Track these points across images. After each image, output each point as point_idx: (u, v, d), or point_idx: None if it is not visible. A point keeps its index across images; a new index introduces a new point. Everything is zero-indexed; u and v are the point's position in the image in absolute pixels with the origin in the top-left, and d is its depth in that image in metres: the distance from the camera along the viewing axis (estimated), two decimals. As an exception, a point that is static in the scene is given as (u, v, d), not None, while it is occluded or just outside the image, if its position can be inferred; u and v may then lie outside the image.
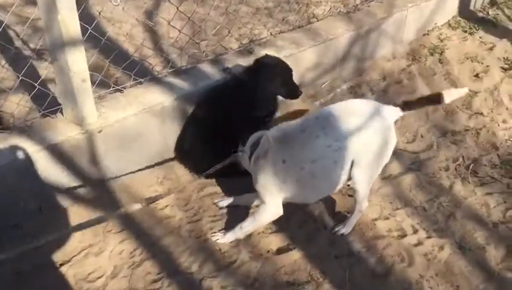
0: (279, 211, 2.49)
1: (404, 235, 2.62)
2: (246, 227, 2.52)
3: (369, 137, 2.37)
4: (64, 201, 2.65)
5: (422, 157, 3.14)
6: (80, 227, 2.52)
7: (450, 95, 2.47)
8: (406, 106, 2.52)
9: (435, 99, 2.50)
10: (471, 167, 3.07)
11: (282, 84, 2.97)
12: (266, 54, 3.05)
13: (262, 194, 2.47)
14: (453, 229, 2.67)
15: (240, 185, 2.82)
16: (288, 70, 3.01)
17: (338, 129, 2.36)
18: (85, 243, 2.49)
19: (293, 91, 3.01)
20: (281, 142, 2.41)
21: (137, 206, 2.45)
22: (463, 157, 3.16)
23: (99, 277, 2.36)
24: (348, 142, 2.34)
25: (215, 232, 2.59)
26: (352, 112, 2.42)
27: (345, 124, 2.37)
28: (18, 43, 3.44)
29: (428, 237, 2.61)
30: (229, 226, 2.60)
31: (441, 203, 2.82)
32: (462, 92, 2.57)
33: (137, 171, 2.86)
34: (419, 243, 2.58)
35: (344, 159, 2.36)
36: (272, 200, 2.46)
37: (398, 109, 2.49)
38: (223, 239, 2.55)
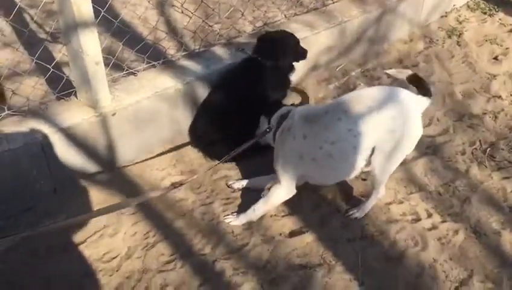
0: (292, 191, 2.52)
1: (418, 219, 2.59)
2: (259, 209, 2.53)
3: (392, 125, 2.32)
4: (78, 183, 2.68)
5: (438, 141, 3.09)
6: (94, 209, 2.56)
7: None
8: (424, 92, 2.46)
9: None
10: (488, 151, 3.02)
11: (291, 53, 2.97)
12: (266, 31, 3.05)
13: (279, 173, 2.50)
14: (468, 213, 2.64)
15: (252, 167, 2.83)
16: (292, 38, 2.99)
17: (360, 115, 2.33)
18: (99, 224, 2.52)
19: (302, 54, 3.02)
20: (305, 119, 2.45)
21: (161, 191, 2.45)
22: (480, 141, 3.10)
23: (113, 258, 2.39)
24: (370, 128, 2.32)
25: (227, 215, 2.60)
26: (376, 99, 2.37)
27: (368, 111, 2.33)
28: (33, 26, 3.46)
29: (443, 221, 2.59)
30: (241, 209, 2.61)
31: (457, 188, 2.78)
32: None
33: (150, 154, 2.88)
34: (433, 227, 2.55)
35: (363, 145, 2.34)
36: (286, 179, 2.48)
37: (425, 99, 2.42)
38: (235, 221, 2.56)
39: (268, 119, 2.66)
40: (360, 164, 2.41)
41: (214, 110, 2.88)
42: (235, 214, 2.59)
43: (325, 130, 2.37)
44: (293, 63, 3.02)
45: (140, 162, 2.85)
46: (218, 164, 2.61)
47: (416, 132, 2.41)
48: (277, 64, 2.89)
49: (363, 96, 2.43)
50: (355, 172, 2.47)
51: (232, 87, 2.89)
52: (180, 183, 2.38)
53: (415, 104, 2.40)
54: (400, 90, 2.42)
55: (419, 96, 2.43)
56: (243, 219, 2.55)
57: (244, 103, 2.78)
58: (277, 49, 2.90)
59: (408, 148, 2.44)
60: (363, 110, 2.34)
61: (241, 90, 2.82)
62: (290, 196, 2.53)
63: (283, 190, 2.51)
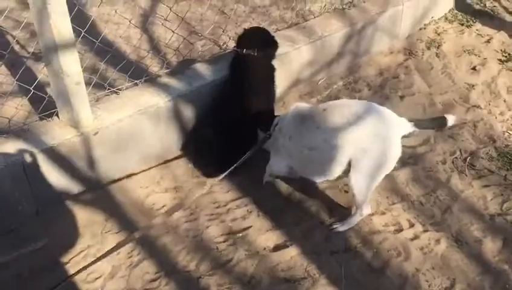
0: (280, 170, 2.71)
1: (400, 230, 2.62)
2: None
3: (369, 143, 2.36)
4: (61, 204, 2.67)
5: (419, 151, 3.13)
6: (78, 229, 2.55)
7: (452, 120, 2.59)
8: (417, 122, 2.51)
9: (442, 122, 2.60)
10: (468, 160, 3.07)
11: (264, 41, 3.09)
12: (244, 28, 3.24)
13: (271, 153, 2.72)
14: (449, 222, 2.67)
15: (236, 180, 2.85)
16: (263, 30, 3.21)
17: (339, 127, 2.38)
18: (83, 244, 2.52)
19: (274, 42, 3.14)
20: (294, 120, 2.57)
21: (157, 220, 2.49)
22: (460, 150, 3.15)
23: (97, 278, 2.39)
24: (345, 142, 2.37)
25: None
26: (357, 114, 2.41)
27: (348, 124, 2.38)
28: (16, 46, 3.47)
29: (425, 231, 2.62)
30: (224, 226, 2.63)
31: (438, 197, 2.82)
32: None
33: (133, 172, 2.89)
34: (415, 237, 2.58)
35: (338, 157, 2.40)
36: (273, 159, 2.70)
37: (410, 125, 2.46)
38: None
39: (265, 129, 2.74)
40: (338, 171, 2.48)
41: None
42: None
43: (305, 136, 2.50)
44: (272, 53, 3.12)
45: (124, 180, 2.85)
46: (227, 172, 2.60)
47: (395, 153, 2.44)
48: (256, 53, 2.99)
49: (345, 109, 2.47)
50: (334, 176, 2.53)
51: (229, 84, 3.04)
52: (173, 211, 2.46)
53: (396, 125, 2.43)
54: (383, 110, 2.46)
55: (403, 120, 2.46)
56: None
57: (239, 97, 2.90)
58: (252, 39, 3.05)
59: (386, 168, 2.46)
60: (341, 122, 2.38)
61: (235, 84, 2.97)
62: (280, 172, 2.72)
63: (273, 166, 2.71)
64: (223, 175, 2.56)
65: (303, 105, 2.69)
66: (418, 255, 2.49)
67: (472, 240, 2.59)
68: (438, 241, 2.56)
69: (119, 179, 2.85)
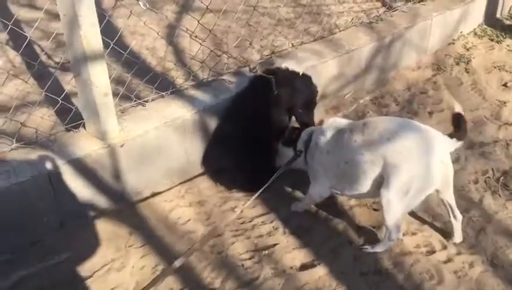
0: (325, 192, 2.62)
1: (432, 252, 2.53)
2: (304, 201, 2.74)
3: (403, 161, 2.26)
4: (86, 216, 2.64)
5: (450, 169, 3.04)
6: (102, 242, 2.52)
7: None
8: (458, 135, 2.38)
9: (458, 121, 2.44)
10: (501, 180, 2.96)
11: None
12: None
13: (311, 177, 2.65)
14: (484, 244, 2.57)
15: (260, 197, 2.79)
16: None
17: (374, 141, 2.31)
18: (107, 258, 2.48)
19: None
20: (330, 135, 2.53)
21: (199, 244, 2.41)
22: (493, 169, 3.05)
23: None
24: (379, 157, 2.30)
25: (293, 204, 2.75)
26: (397, 132, 2.31)
27: (383, 140, 2.30)
28: (43, 57, 3.48)
29: (458, 254, 2.52)
30: (250, 242, 2.57)
31: (471, 218, 2.72)
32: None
33: (158, 185, 2.85)
34: (448, 260, 2.48)
35: (372, 172, 2.33)
36: (317, 182, 2.62)
37: (454, 141, 2.34)
38: (296, 207, 2.74)
39: (288, 144, 2.74)
40: (371, 188, 2.40)
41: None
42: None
43: (340, 149, 2.46)
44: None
45: (149, 193, 2.82)
46: (257, 194, 2.54)
47: (433, 174, 2.31)
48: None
49: (384, 124, 2.39)
50: (368, 195, 2.46)
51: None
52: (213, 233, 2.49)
53: (437, 144, 2.31)
54: (424, 128, 2.36)
55: (446, 137, 2.34)
56: (301, 206, 2.76)
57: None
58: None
59: (422, 190, 2.33)
60: (377, 137, 2.32)
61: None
62: (322, 196, 2.64)
63: (314, 189, 2.63)
64: (254, 197, 2.52)
65: (340, 120, 2.63)
66: (451, 279, 2.39)
67: (508, 263, 2.48)
68: (472, 264, 2.46)
69: (145, 191, 2.81)
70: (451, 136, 2.36)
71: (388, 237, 2.46)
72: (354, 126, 2.48)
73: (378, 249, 2.50)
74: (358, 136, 2.39)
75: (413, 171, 2.27)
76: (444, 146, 2.34)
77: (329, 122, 2.61)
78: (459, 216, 2.54)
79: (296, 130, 2.81)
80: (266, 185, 2.51)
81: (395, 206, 2.35)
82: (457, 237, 2.56)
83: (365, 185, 2.40)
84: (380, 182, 2.34)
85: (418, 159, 2.27)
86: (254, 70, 3.14)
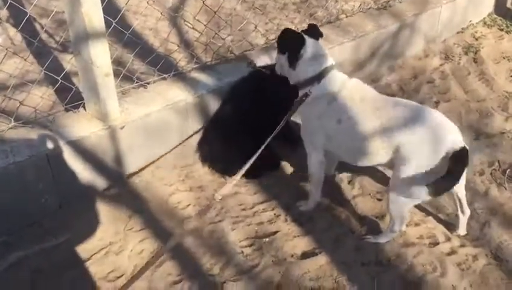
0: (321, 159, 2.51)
1: (436, 243, 2.49)
2: (312, 185, 2.59)
3: (416, 151, 2.18)
4: (85, 198, 2.60)
5: (455, 161, 2.99)
6: (100, 225, 2.48)
7: None
8: None
9: None
10: (507, 172, 2.91)
11: None
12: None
13: (305, 142, 2.53)
14: (488, 237, 2.53)
15: (263, 183, 2.75)
16: None
17: (391, 129, 2.25)
18: (105, 241, 2.44)
19: None
20: (353, 99, 2.36)
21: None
22: (499, 161, 3.00)
23: (119, 277, 2.30)
24: (392, 140, 2.24)
25: (299, 202, 2.65)
26: (415, 118, 2.24)
27: (401, 129, 2.23)
28: (43, 35, 3.42)
29: (462, 246, 2.48)
30: (250, 229, 2.53)
31: (476, 210, 2.67)
32: None
33: (159, 168, 2.80)
34: (452, 252, 2.44)
35: (384, 149, 2.28)
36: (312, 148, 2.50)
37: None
38: (305, 208, 2.62)
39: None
40: (378, 161, 2.36)
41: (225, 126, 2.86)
42: (302, 202, 2.64)
43: (359, 118, 2.30)
44: None
45: (149, 176, 2.77)
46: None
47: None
48: None
49: (401, 114, 2.28)
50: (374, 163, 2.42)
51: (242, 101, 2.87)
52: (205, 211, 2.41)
53: (450, 137, 2.19)
54: (442, 120, 2.25)
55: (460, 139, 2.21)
56: (311, 203, 2.62)
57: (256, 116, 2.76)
58: None
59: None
60: (395, 120, 2.26)
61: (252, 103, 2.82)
62: (320, 164, 2.52)
63: (311, 159, 2.51)
64: (248, 164, 2.26)
65: (364, 85, 2.45)
66: (455, 272, 2.35)
67: (512, 257, 2.44)
68: (475, 257, 2.42)
69: (144, 174, 2.76)
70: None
71: (391, 228, 2.41)
72: (379, 98, 2.36)
73: (381, 239, 2.46)
74: (380, 110, 2.27)
75: (424, 164, 2.18)
76: (457, 139, 2.21)
77: (352, 81, 2.42)
78: (467, 211, 2.49)
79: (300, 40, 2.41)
80: (274, 133, 2.34)
81: (403, 199, 2.29)
82: (462, 230, 2.52)
83: (372, 158, 2.34)
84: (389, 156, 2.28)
85: (430, 153, 2.18)
86: (252, 66, 3.05)
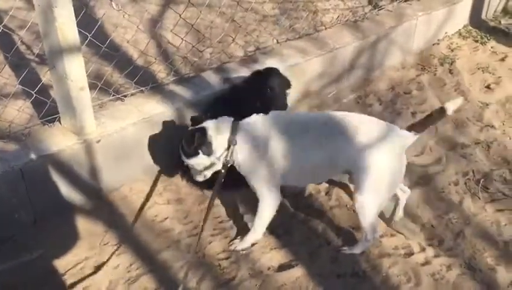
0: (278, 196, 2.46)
1: (411, 254, 2.52)
2: (261, 224, 2.47)
3: (371, 160, 2.27)
4: (60, 213, 2.58)
5: (431, 171, 3.03)
6: (76, 240, 2.46)
7: (453, 105, 2.34)
8: (416, 128, 2.35)
9: (440, 113, 2.37)
10: (481, 182, 2.96)
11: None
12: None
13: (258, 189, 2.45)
14: (462, 247, 2.57)
15: (239, 195, 2.76)
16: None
17: (340, 139, 2.32)
18: (80, 256, 2.42)
19: None
20: (286, 131, 2.39)
21: None
22: (473, 171, 3.05)
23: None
24: (345, 157, 2.32)
25: (232, 241, 2.54)
26: (362, 130, 2.31)
27: (352, 142, 2.30)
28: (22, 48, 3.39)
29: (436, 256, 2.51)
30: (227, 242, 2.54)
31: (450, 220, 2.71)
32: (459, 101, 2.40)
33: (135, 182, 2.79)
34: (426, 262, 2.47)
35: (336, 168, 2.38)
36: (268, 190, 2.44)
37: (412, 134, 2.32)
38: (241, 245, 2.49)
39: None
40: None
41: None
42: (238, 238, 2.54)
43: (302, 148, 2.34)
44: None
45: (126, 190, 2.76)
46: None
47: (400, 168, 2.36)
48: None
49: (349, 122, 2.36)
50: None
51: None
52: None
53: (398, 138, 2.32)
54: (385, 125, 2.36)
55: (404, 131, 2.33)
56: (249, 239, 2.49)
57: None
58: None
59: (393, 186, 2.38)
60: (342, 136, 2.33)
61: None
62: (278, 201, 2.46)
63: (269, 200, 2.44)
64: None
65: (282, 113, 2.52)
66: (428, 282, 2.38)
67: (485, 267, 2.48)
68: (449, 267, 2.46)
69: (122, 188, 2.75)
70: (409, 129, 2.35)
71: (365, 238, 2.44)
72: (314, 124, 2.40)
73: (356, 250, 2.49)
74: (321, 133, 2.34)
75: (383, 168, 2.29)
76: (404, 140, 2.33)
77: (271, 118, 2.40)
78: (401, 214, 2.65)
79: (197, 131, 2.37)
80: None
81: (370, 208, 2.34)
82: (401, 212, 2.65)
83: (327, 177, 2.46)
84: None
85: (386, 158, 2.28)
86: (228, 81, 3.06)
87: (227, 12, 3.86)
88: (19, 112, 2.70)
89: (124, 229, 2.57)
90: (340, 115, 2.43)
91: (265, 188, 2.42)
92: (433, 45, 4.17)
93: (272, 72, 2.84)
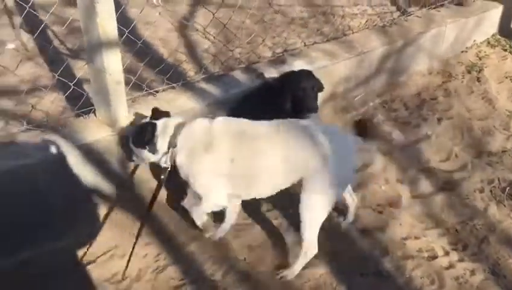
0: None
1: (434, 257, 2.53)
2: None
3: (319, 164, 2.22)
4: (92, 202, 2.66)
5: (456, 177, 3.04)
6: (106, 229, 2.53)
7: None
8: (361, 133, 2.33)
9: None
10: (507, 190, 2.96)
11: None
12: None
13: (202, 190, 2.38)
14: (486, 253, 2.57)
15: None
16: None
17: (290, 145, 2.28)
18: (111, 244, 2.49)
19: None
20: (234, 138, 2.32)
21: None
22: (499, 179, 3.05)
23: (123, 279, 2.35)
24: (296, 163, 2.27)
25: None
26: (310, 135, 2.28)
27: (298, 144, 2.27)
28: (56, 42, 3.50)
29: (460, 260, 2.52)
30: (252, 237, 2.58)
31: (475, 226, 2.72)
32: None
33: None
34: (450, 266, 2.48)
35: (290, 176, 2.30)
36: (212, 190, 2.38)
37: (358, 139, 2.31)
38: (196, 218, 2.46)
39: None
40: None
41: None
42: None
43: (253, 155, 2.27)
44: None
45: (156, 182, 2.82)
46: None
47: (347, 172, 2.34)
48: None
49: (296, 128, 2.33)
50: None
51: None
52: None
53: (345, 143, 2.30)
54: (335, 131, 2.36)
55: (351, 136, 2.32)
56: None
57: None
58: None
59: (339, 189, 2.35)
60: (291, 141, 2.29)
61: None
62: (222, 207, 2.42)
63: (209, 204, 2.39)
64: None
65: (233, 120, 2.42)
66: (452, 285, 2.39)
67: (509, 273, 2.48)
68: (473, 272, 2.46)
69: (152, 180, 2.81)
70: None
71: (305, 253, 2.33)
72: (268, 132, 2.30)
73: (294, 272, 2.37)
74: (272, 140, 2.27)
75: (331, 172, 2.23)
76: (350, 143, 2.31)
77: (219, 123, 2.35)
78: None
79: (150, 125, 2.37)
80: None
81: (318, 216, 2.31)
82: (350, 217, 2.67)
83: (280, 186, 2.35)
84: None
85: (333, 160, 2.23)
86: (261, 76, 3.12)
87: (257, 14, 3.92)
88: (53, 103, 2.78)
89: (154, 220, 2.63)
90: (292, 122, 2.37)
91: (207, 194, 2.35)
92: (461, 52, 4.17)
93: (305, 73, 2.88)
